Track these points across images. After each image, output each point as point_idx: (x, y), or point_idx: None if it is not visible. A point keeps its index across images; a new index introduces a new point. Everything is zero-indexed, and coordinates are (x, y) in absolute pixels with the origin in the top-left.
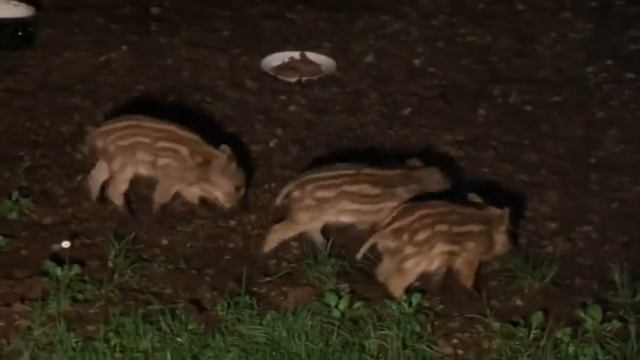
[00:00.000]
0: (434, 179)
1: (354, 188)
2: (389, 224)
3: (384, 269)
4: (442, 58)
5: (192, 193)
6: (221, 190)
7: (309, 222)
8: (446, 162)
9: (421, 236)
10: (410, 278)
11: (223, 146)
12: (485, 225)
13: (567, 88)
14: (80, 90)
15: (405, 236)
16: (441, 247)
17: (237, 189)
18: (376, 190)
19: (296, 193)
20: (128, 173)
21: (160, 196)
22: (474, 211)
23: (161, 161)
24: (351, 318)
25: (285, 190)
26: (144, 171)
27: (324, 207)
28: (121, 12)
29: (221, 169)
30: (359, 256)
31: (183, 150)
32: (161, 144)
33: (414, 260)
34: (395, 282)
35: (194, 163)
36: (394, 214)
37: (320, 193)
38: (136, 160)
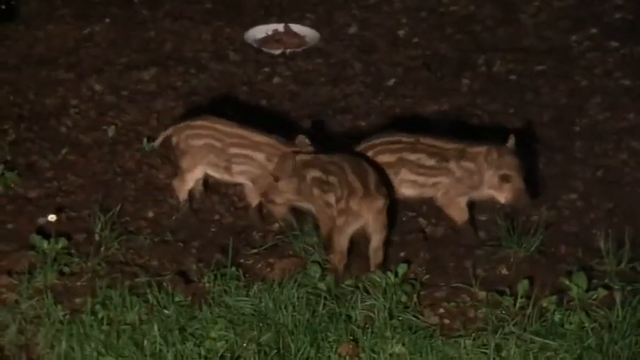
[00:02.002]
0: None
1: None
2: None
3: None
4: (426, 28)
5: None
6: None
7: None
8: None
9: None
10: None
11: (300, 136)
12: (467, 161)
13: (551, 57)
14: (64, 63)
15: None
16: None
17: None
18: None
19: None
20: (197, 173)
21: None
22: (452, 146)
23: (236, 168)
24: (337, 289)
25: None
26: (216, 174)
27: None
28: None
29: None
30: None
31: (259, 156)
32: (234, 150)
33: None
34: None
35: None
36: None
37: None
38: (206, 161)
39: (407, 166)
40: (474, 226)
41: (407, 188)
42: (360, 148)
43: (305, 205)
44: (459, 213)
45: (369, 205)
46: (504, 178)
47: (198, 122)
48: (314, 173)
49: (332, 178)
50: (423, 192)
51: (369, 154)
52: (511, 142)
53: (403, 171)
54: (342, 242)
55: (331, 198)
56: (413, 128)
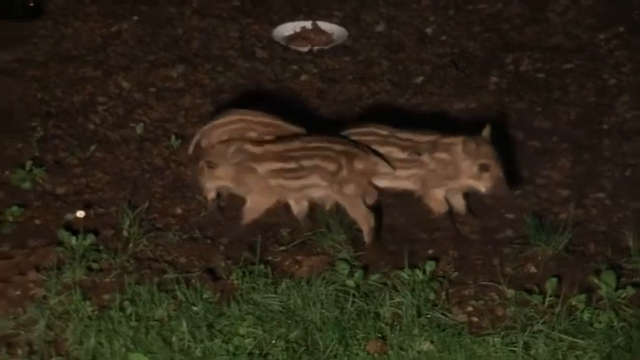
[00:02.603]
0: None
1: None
2: None
3: None
4: (453, 25)
5: None
6: None
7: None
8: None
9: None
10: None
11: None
12: (441, 152)
13: (579, 55)
14: (91, 60)
15: None
16: None
17: None
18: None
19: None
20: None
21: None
22: (425, 138)
23: None
24: (365, 286)
25: None
26: None
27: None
28: None
29: None
30: None
31: None
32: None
33: None
34: None
35: None
36: None
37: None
38: None
39: None
40: (453, 217)
41: (381, 181)
42: None
43: (239, 192)
44: (436, 204)
45: (370, 161)
46: (483, 168)
47: (227, 118)
48: (271, 166)
49: (306, 162)
50: (398, 184)
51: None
52: (486, 131)
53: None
54: (363, 208)
55: (313, 179)
56: (439, 126)
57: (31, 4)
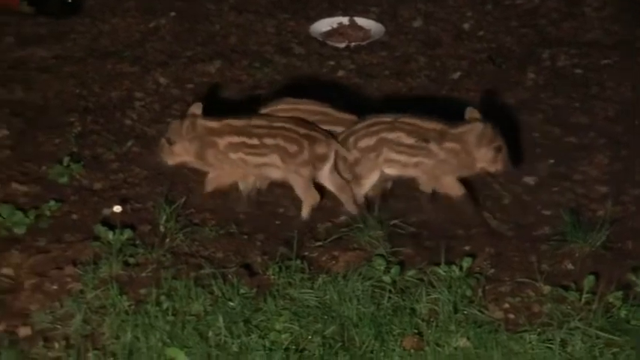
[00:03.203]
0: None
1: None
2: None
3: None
4: (491, 21)
5: None
6: None
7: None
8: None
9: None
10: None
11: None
12: (451, 142)
13: (616, 51)
14: (129, 56)
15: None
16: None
17: None
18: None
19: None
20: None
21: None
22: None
23: None
24: (401, 282)
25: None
26: None
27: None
28: None
29: None
30: None
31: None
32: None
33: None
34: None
35: None
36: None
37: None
38: None
39: (387, 145)
40: (474, 200)
41: (389, 168)
42: (342, 136)
43: (199, 166)
44: (453, 189)
45: (332, 146)
46: (498, 150)
47: (279, 107)
48: (231, 139)
49: (268, 140)
50: (405, 172)
51: (351, 140)
52: (474, 113)
53: (385, 150)
54: (312, 192)
55: (272, 158)
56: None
57: (69, 1)
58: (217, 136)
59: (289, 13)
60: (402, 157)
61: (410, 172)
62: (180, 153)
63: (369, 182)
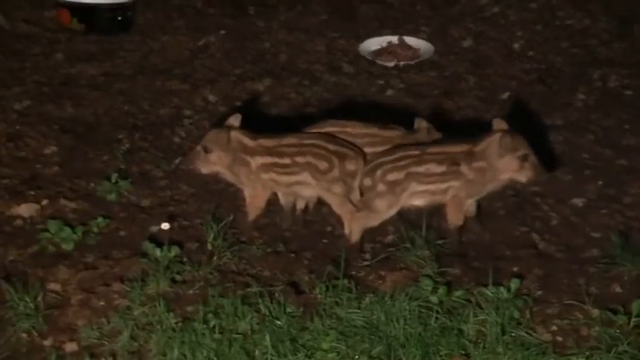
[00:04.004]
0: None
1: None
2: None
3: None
4: (541, 41)
5: None
6: None
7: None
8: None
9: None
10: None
11: (418, 119)
12: (479, 161)
13: None
14: (178, 74)
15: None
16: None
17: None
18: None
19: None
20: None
21: None
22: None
23: None
24: (449, 303)
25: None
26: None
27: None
28: None
29: None
30: None
31: None
32: (368, 150)
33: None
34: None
35: None
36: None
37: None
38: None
39: (416, 179)
40: (460, 235)
41: (418, 199)
42: (368, 168)
43: (231, 179)
44: (459, 215)
45: (361, 163)
46: (523, 158)
47: (325, 129)
48: (263, 160)
49: (299, 159)
50: (435, 199)
51: (378, 173)
52: (502, 124)
53: (413, 185)
54: (349, 207)
55: (303, 176)
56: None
57: (120, 18)
58: (250, 156)
59: (339, 31)
60: (432, 187)
61: (438, 199)
62: (215, 162)
63: (383, 217)
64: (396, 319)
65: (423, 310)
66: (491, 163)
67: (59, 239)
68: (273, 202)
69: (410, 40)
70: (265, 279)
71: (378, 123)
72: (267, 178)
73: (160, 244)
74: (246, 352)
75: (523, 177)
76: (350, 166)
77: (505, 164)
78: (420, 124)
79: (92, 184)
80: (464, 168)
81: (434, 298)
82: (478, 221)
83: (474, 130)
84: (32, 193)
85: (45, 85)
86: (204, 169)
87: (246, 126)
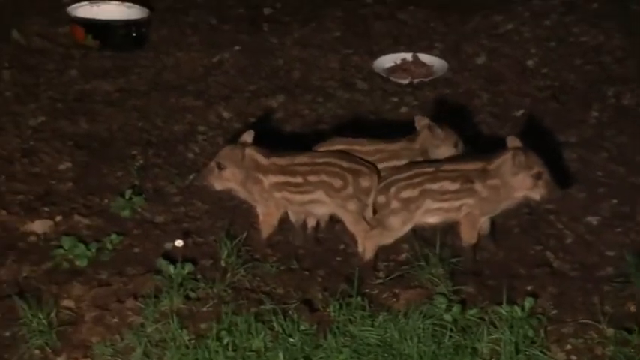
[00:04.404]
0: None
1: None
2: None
3: None
4: (555, 58)
5: None
6: None
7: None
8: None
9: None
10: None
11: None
12: (495, 179)
13: None
14: (192, 90)
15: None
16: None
17: None
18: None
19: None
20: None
21: None
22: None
23: None
24: (463, 321)
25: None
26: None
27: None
28: (233, 13)
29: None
30: None
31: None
32: (381, 165)
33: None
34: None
35: None
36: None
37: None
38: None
39: (431, 196)
40: (474, 252)
41: (432, 217)
42: (382, 185)
43: (244, 196)
44: (473, 233)
45: (375, 179)
46: (537, 176)
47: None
48: (276, 179)
49: (312, 178)
50: (449, 217)
51: (392, 190)
52: (516, 142)
53: (427, 202)
54: (363, 226)
55: (317, 195)
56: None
57: (134, 35)
58: (263, 174)
59: (353, 48)
60: (446, 204)
61: (452, 217)
62: (229, 179)
63: (396, 235)
64: (409, 337)
65: (436, 328)
66: (505, 180)
67: (73, 256)
68: (286, 219)
69: (424, 57)
70: (279, 296)
71: (384, 138)
72: (279, 197)
73: (173, 261)
74: None
75: (537, 195)
76: (364, 182)
77: (519, 182)
78: (421, 121)
79: (106, 201)
80: (478, 186)
81: (448, 316)
82: (492, 239)
83: (487, 147)
84: (46, 209)
85: (59, 101)
86: (218, 186)
87: (259, 143)
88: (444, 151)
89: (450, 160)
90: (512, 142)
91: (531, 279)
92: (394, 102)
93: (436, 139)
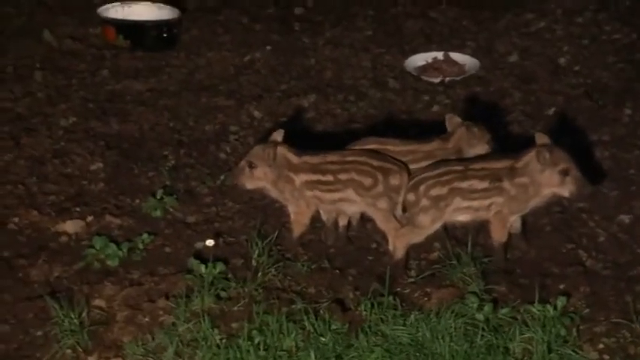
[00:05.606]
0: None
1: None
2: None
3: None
4: (587, 56)
5: None
6: None
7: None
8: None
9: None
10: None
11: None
12: (520, 177)
13: None
14: (223, 90)
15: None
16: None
17: None
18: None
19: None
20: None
21: None
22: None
23: None
24: (495, 320)
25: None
26: None
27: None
28: (265, 12)
29: None
30: None
31: None
32: (412, 167)
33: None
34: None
35: None
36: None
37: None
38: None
39: (460, 194)
40: (505, 251)
41: (462, 215)
42: (412, 183)
43: (276, 194)
44: (502, 232)
45: (405, 177)
46: (564, 172)
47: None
48: (307, 177)
49: (342, 176)
50: (478, 216)
51: (421, 188)
52: (544, 138)
53: (457, 200)
54: (394, 224)
55: (346, 193)
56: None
57: (165, 35)
58: (294, 173)
59: (384, 47)
60: (475, 203)
61: (481, 215)
62: (260, 177)
63: (426, 233)
64: (441, 337)
65: (468, 328)
66: (533, 178)
67: (104, 256)
68: (317, 218)
69: (455, 56)
70: (310, 296)
71: (416, 137)
72: (311, 195)
73: (205, 261)
74: None
75: (565, 191)
76: (394, 181)
77: (546, 179)
78: (452, 119)
79: (137, 201)
80: (506, 184)
81: (480, 316)
82: (524, 238)
83: (519, 146)
84: (78, 209)
85: (91, 101)
86: (249, 185)
87: (291, 142)
88: (479, 149)
89: (479, 158)
90: (541, 138)
91: (563, 278)
92: (426, 101)
93: (473, 138)
